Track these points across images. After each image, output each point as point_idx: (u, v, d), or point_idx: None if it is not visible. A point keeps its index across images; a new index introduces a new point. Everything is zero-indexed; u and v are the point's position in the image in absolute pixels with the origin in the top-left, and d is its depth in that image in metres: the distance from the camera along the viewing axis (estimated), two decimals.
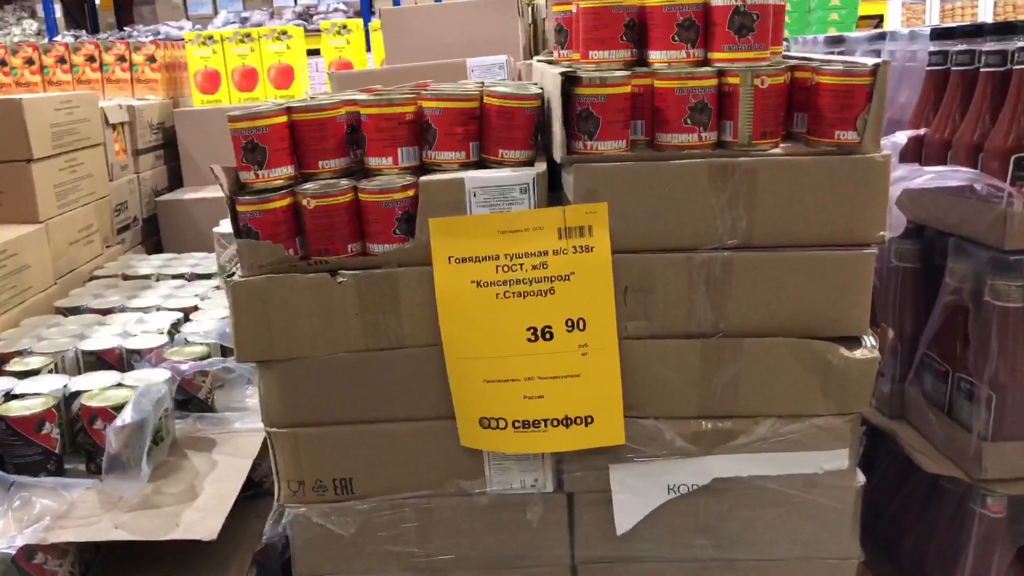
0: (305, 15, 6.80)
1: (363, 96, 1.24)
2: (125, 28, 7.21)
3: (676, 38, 1.17)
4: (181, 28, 6.51)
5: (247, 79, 3.23)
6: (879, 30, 1.84)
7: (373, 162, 1.22)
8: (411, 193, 1.15)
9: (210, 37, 3.21)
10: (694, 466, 1.22)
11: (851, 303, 1.16)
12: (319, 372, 1.20)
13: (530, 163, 1.20)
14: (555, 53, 1.41)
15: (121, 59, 3.15)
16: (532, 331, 1.15)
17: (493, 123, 1.21)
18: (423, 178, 1.14)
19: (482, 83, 1.36)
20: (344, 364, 1.19)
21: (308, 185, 1.18)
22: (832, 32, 4.38)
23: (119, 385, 1.40)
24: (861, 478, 1.24)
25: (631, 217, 1.14)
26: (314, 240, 1.17)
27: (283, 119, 1.20)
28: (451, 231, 1.14)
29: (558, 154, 1.14)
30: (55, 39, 6.19)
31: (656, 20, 1.18)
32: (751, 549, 1.26)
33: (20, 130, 1.87)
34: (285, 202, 1.17)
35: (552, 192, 1.21)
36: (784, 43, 2.07)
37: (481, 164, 1.22)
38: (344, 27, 3.07)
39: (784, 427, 1.20)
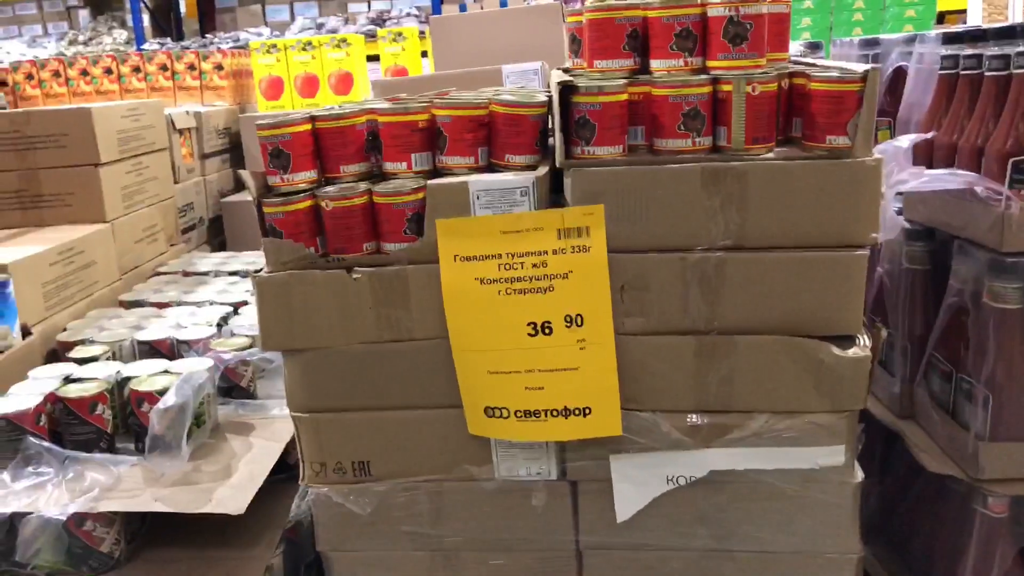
0: (378, 20, 6.98)
1: (381, 105, 1.32)
2: (207, 36, 7.53)
3: (674, 47, 1.23)
4: (260, 35, 6.77)
5: (309, 85, 3.38)
6: (910, 33, 1.85)
7: (389, 167, 1.31)
8: (420, 196, 1.23)
9: (274, 46, 3.36)
10: (691, 458, 1.26)
11: (843, 303, 1.19)
12: (337, 361, 1.29)
13: (535, 167, 1.27)
14: (569, 62, 1.48)
15: (191, 68, 3.34)
16: (532, 326, 1.22)
17: (500, 129, 1.28)
18: (430, 182, 1.22)
19: (497, 91, 1.43)
20: (360, 354, 1.28)
21: (328, 188, 1.28)
22: (909, 30, 4.29)
23: (165, 372, 1.53)
24: (860, 474, 1.27)
25: (627, 219, 1.20)
26: (332, 239, 1.27)
27: (307, 127, 1.29)
28: (456, 231, 1.22)
29: (558, 159, 1.20)
30: (142, 47, 6.52)
31: (656, 30, 1.24)
32: (750, 541, 1.30)
33: (89, 136, 2.03)
34: (306, 204, 1.27)
35: (557, 194, 1.28)
36: (818, 47, 2.09)
37: (490, 168, 1.30)
38: (400, 34, 3.19)
39: (779, 423, 1.24)
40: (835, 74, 1.17)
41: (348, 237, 1.26)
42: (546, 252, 1.21)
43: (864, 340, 1.21)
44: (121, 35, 7.93)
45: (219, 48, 3.63)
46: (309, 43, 3.36)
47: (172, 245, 2.50)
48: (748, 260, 1.19)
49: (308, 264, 1.26)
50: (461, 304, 1.23)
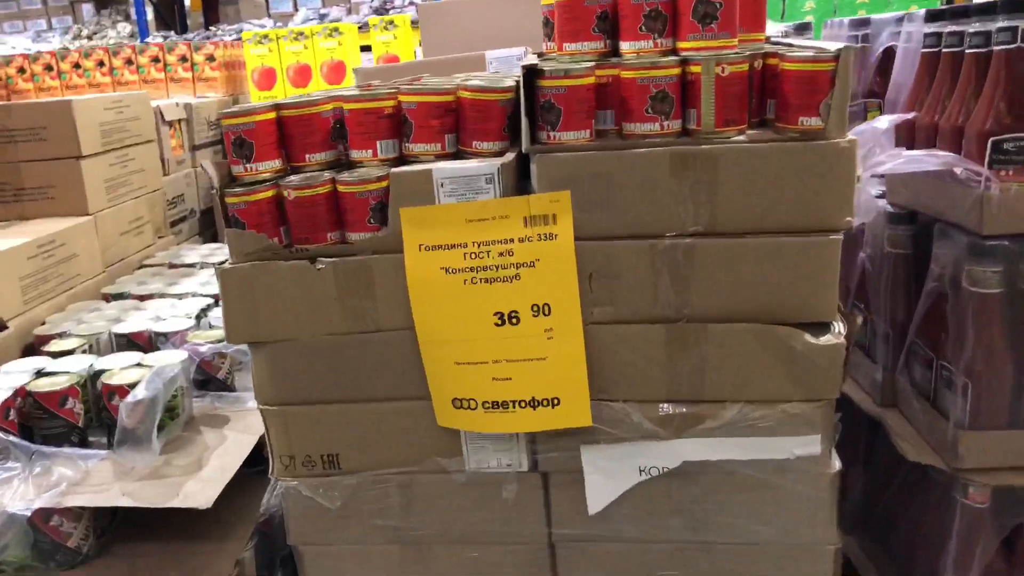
0: (381, 9, 6.95)
1: (346, 92, 1.30)
2: (210, 28, 7.52)
3: (644, 28, 1.19)
4: (263, 26, 6.76)
5: (301, 75, 3.36)
6: (902, 12, 1.81)
7: (355, 154, 1.28)
8: (385, 184, 1.21)
9: (266, 36, 3.35)
10: (664, 449, 1.24)
11: (817, 289, 1.16)
12: (304, 353, 1.27)
13: (502, 154, 1.24)
14: (544, 45, 1.45)
15: (183, 59, 3.32)
16: (499, 316, 1.20)
17: (468, 115, 1.25)
18: (393, 170, 1.20)
19: (468, 76, 1.40)
20: (326, 346, 1.26)
21: (291, 178, 1.26)
22: (913, 9, 4.21)
23: (138, 365, 1.51)
24: (837, 464, 1.24)
25: (594, 205, 1.17)
26: (296, 229, 1.24)
27: (271, 116, 1.27)
28: (421, 220, 1.19)
29: (524, 144, 1.18)
30: (145, 40, 6.52)
31: (625, 11, 1.21)
32: (726, 532, 1.28)
33: (70, 129, 2.02)
34: (269, 194, 1.24)
35: (525, 181, 1.25)
36: (808, 28, 2.04)
37: (458, 155, 1.27)
38: (391, 23, 3.16)
39: (753, 412, 1.21)
40: (809, 54, 1.13)
41: (312, 227, 1.23)
42: (512, 240, 1.18)
43: (839, 327, 1.18)
44: (125, 29, 7.93)
45: (211, 39, 3.61)
46: (301, 33, 3.34)
47: (160, 237, 2.48)
48: (719, 246, 1.16)
49: (272, 255, 1.24)
50: (426, 294, 1.20)
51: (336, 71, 3.32)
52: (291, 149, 1.29)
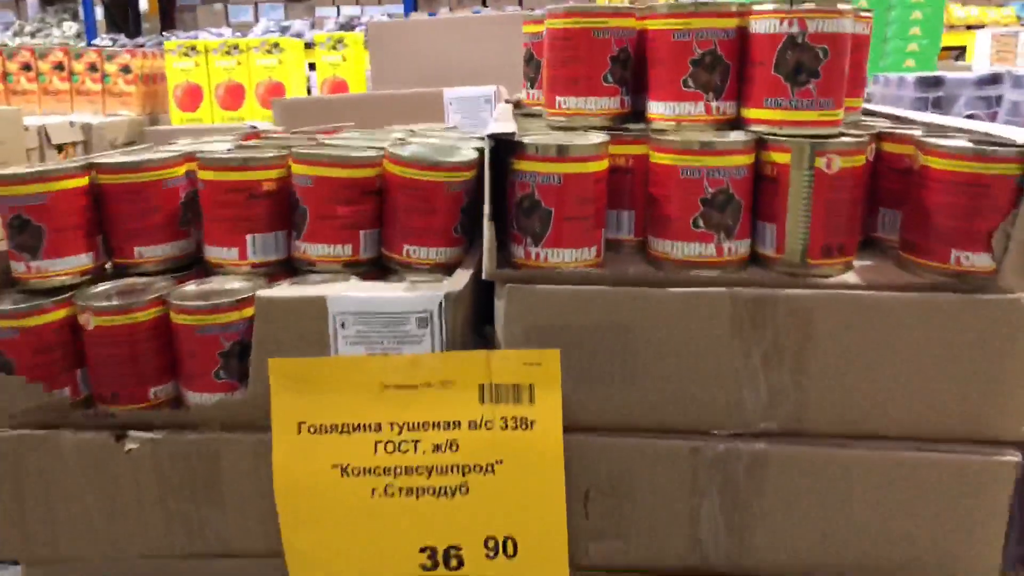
0: (347, 26, 6.50)
1: (206, 149, 0.81)
2: (164, 33, 7.01)
3: (691, 82, 0.72)
4: (220, 35, 6.26)
5: (233, 96, 2.85)
6: (970, 71, 1.37)
7: (212, 254, 0.79)
8: (248, 314, 0.72)
9: (193, 48, 2.84)
10: None
11: (969, 539, 0.69)
12: None
13: (451, 269, 0.75)
14: (523, 92, 0.97)
15: (92, 68, 2.80)
16: (429, 554, 0.70)
17: (398, 203, 0.77)
18: (261, 292, 0.70)
19: (403, 139, 0.92)
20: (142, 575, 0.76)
21: (95, 290, 0.76)
22: (910, 65, 3.85)
23: None
24: None
25: (600, 376, 0.69)
26: (97, 378, 0.74)
27: (78, 182, 0.78)
28: (304, 381, 0.70)
29: (487, 266, 0.69)
30: (93, 42, 5.97)
31: (660, 53, 0.74)
32: None
33: None
34: (59, 315, 0.75)
35: (485, 325, 0.76)
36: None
37: (378, 265, 0.79)
38: (340, 41, 2.67)
39: None
40: (971, 147, 0.67)
41: (123, 376, 0.74)
42: (459, 425, 0.70)
43: None
44: (71, 28, 7.37)
45: (128, 48, 3.09)
46: (235, 46, 2.84)
47: None
48: (807, 458, 0.69)
49: (56, 418, 0.74)
50: (307, 507, 0.71)
51: (274, 93, 2.82)
52: (113, 237, 0.80)
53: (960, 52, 5.49)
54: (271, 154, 0.79)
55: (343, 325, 0.69)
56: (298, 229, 0.78)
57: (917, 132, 0.74)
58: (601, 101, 0.77)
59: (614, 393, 0.69)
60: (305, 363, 0.70)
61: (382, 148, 0.78)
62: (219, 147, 0.86)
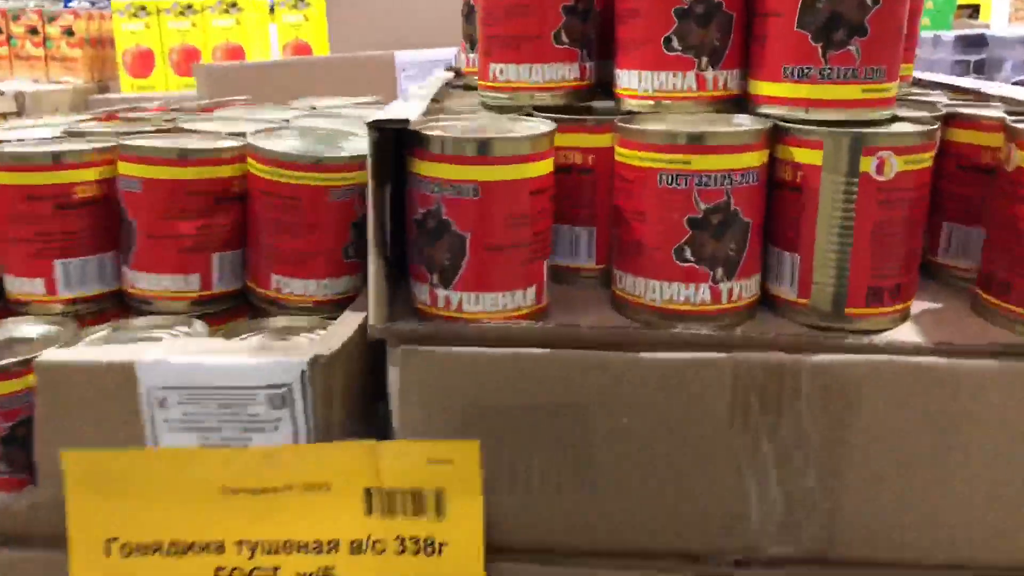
0: None
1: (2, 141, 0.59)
2: None
3: (676, 42, 0.50)
4: None
5: (188, 60, 2.60)
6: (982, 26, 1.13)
7: (14, 286, 0.57)
8: (29, 382, 0.50)
9: (143, 7, 2.59)
10: None
11: None
12: None
13: (340, 307, 0.53)
14: (462, 57, 0.75)
15: (33, 31, 2.55)
16: None
17: (262, 217, 0.55)
18: (44, 356, 0.48)
19: (307, 112, 0.70)
20: None
21: None
22: (925, 23, 3.58)
23: None
24: None
25: (541, 480, 0.47)
26: None
27: None
28: (113, 481, 0.48)
29: (373, 315, 0.47)
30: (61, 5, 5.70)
31: (631, 2, 0.51)
32: None
33: None
34: None
35: (375, 400, 0.54)
36: None
37: (245, 300, 0.57)
38: (302, 0, 2.42)
39: None
40: None
41: None
42: (336, 546, 0.48)
43: None
44: None
45: (71, 9, 2.84)
46: (189, 6, 2.59)
47: None
48: None
49: None
50: None
51: (232, 56, 2.57)
52: None
53: (973, 10, 5.21)
54: (93, 146, 0.56)
55: (162, 404, 0.47)
56: (125, 252, 0.56)
57: (996, 112, 0.51)
58: (552, 69, 0.55)
59: (563, 504, 0.47)
60: (113, 456, 0.48)
61: (236, 140, 0.56)
62: (37, 134, 0.63)
